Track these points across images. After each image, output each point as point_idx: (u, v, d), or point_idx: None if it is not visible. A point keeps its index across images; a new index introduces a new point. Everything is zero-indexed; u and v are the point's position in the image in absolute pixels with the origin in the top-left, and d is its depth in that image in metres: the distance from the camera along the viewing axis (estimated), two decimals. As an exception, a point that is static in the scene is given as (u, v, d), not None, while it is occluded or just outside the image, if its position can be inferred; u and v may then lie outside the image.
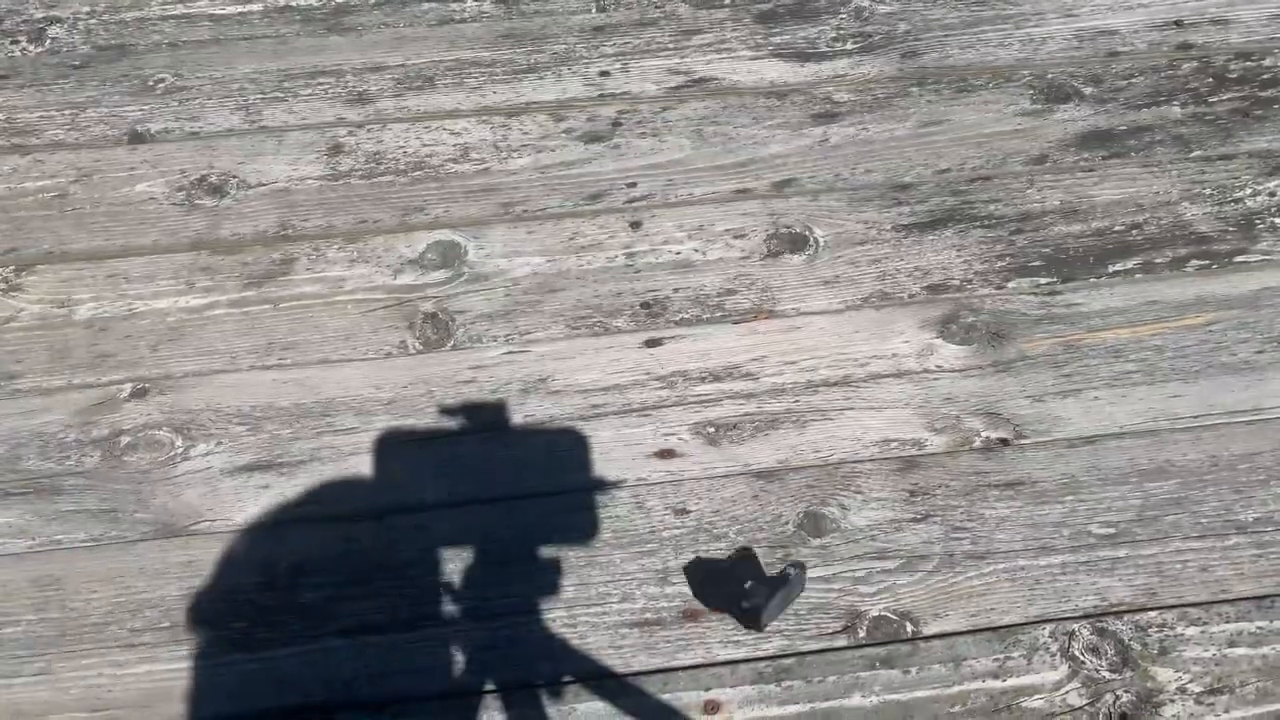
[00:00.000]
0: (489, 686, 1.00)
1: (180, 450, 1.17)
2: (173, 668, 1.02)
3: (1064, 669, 1.00)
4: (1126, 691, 0.98)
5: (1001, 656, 1.00)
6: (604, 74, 1.58)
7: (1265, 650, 1.01)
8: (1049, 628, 1.02)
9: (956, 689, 0.99)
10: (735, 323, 1.27)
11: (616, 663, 1.01)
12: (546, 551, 1.08)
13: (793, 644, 1.02)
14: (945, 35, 1.63)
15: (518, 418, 1.19)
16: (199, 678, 1.01)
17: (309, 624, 1.04)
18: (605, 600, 1.05)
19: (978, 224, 1.37)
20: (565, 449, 1.16)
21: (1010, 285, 1.30)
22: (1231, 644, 1.01)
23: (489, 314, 1.29)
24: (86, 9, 1.70)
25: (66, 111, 1.54)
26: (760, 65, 1.59)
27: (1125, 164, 1.44)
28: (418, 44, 1.63)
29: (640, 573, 1.07)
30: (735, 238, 1.36)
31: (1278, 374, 1.21)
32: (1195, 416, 1.17)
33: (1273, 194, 1.39)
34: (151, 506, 1.12)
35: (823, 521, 1.10)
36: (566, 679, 1.00)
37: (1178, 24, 1.63)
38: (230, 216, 1.40)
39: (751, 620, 0.99)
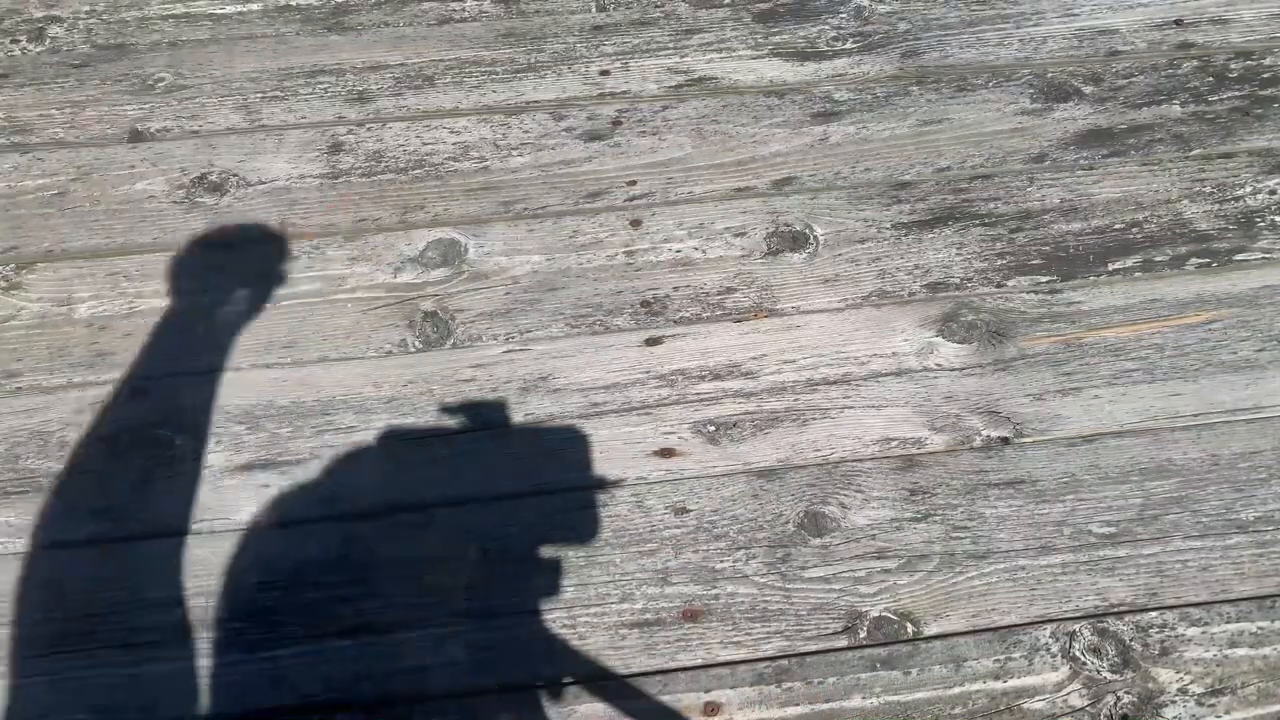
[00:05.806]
0: (489, 686, 1.00)
1: (180, 449, 1.17)
2: (173, 668, 1.02)
3: (1065, 670, 0.99)
4: (1128, 692, 0.98)
5: (1002, 657, 1.00)
6: (604, 73, 1.57)
7: (1266, 650, 1.00)
8: (1050, 628, 1.02)
9: (957, 690, 0.99)
10: (735, 321, 1.27)
11: (616, 663, 1.01)
12: (546, 551, 1.08)
13: (793, 645, 1.02)
14: (945, 34, 1.63)
15: (517, 416, 1.19)
16: (199, 678, 1.01)
17: (309, 624, 1.04)
18: (605, 600, 1.05)
19: (978, 222, 1.37)
20: (565, 448, 1.16)
21: (1010, 283, 1.30)
22: (1232, 644, 1.01)
23: (489, 312, 1.28)
24: (86, 8, 1.70)
25: (66, 110, 1.54)
26: (760, 64, 1.58)
27: (1125, 162, 1.44)
28: (418, 43, 1.63)
29: (640, 573, 1.07)
30: (735, 236, 1.36)
31: (1278, 372, 1.21)
32: (1195, 415, 1.17)
33: (1273, 192, 1.39)
34: (151, 506, 1.12)
35: (823, 520, 1.10)
36: (566, 679, 1.00)
37: (1177, 23, 1.63)
38: (230, 214, 1.40)
39: None
